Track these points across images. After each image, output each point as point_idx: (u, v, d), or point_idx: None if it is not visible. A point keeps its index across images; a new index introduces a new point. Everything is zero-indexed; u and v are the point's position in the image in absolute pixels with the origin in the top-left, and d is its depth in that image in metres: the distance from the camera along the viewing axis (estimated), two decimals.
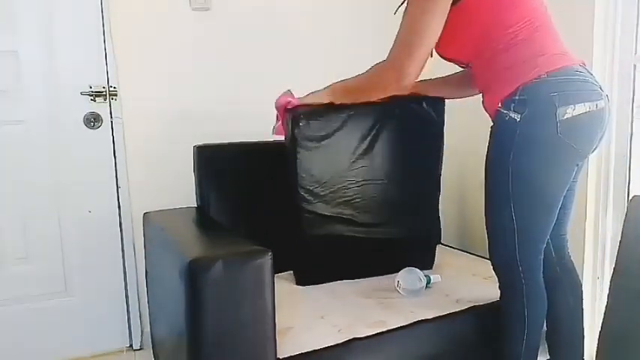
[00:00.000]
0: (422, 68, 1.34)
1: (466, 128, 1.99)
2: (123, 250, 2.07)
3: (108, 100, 1.99)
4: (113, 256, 2.06)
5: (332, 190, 1.68)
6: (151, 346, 1.97)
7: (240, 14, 2.14)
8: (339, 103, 1.59)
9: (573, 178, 1.34)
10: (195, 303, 1.18)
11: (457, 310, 1.52)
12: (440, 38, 1.32)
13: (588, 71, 1.30)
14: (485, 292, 1.60)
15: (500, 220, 1.32)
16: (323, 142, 1.65)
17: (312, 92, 1.64)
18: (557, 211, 1.33)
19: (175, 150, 2.05)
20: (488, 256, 1.79)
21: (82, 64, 1.95)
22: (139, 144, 2.05)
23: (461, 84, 1.57)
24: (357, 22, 2.36)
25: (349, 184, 1.69)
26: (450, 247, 2.17)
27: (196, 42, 2.09)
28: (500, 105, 1.27)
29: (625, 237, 1.41)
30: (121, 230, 2.06)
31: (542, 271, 1.36)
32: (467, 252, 2.09)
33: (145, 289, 1.95)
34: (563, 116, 1.20)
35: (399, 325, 1.44)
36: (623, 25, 1.70)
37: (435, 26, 1.30)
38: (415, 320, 1.47)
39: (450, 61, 1.45)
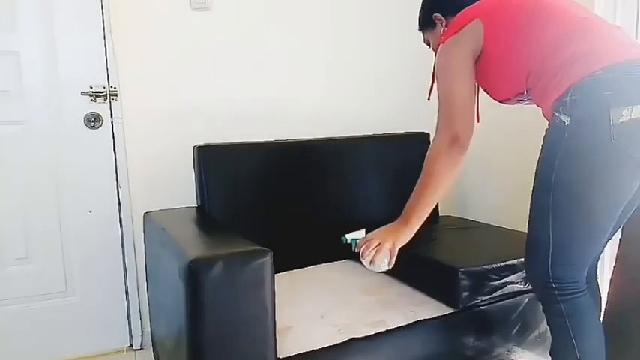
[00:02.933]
0: (470, 120, 1.32)
1: None
2: (123, 250, 2.07)
3: (108, 100, 1.99)
4: (113, 256, 2.06)
5: None
6: (151, 345, 1.98)
7: (240, 14, 2.14)
8: (418, 220, 1.39)
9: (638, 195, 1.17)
10: (195, 303, 1.18)
11: (457, 309, 1.52)
12: (489, 89, 1.35)
13: None
14: None
15: (537, 232, 1.23)
16: None
17: (384, 228, 1.42)
18: (606, 233, 1.20)
19: (175, 150, 2.05)
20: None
21: (82, 64, 1.95)
22: (139, 144, 2.05)
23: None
24: (359, 22, 2.36)
25: None
26: None
27: (196, 42, 2.09)
28: (553, 108, 1.17)
29: (625, 235, 1.41)
30: (121, 230, 2.06)
31: (584, 292, 1.22)
32: None
33: (146, 288, 1.96)
34: (619, 119, 1.05)
35: (399, 325, 1.44)
36: (623, 25, 1.70)
37: (462, 84, 1.31)
38: (415, 320, 1.47)
39: (508, 103, 1.38)
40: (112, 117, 2.01)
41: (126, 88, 2.01)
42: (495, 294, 1.56)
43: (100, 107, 1.99)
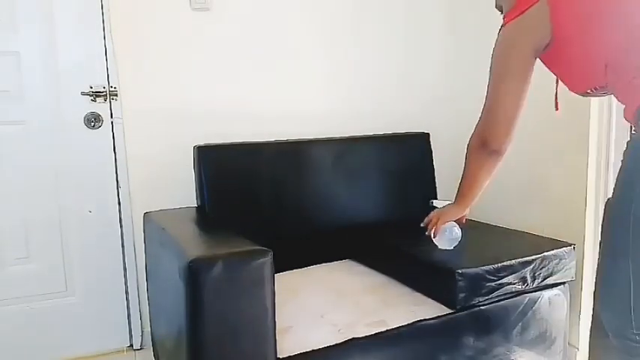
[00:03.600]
0: (504, 130, 1.25)
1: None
2: (123, 250, 2.07)
3: (108, 100, 1.99)
4: (113, 256, 2.06)
5: None
6: (151, 345, 1.98)
7: (240, 14, 2.14)
8: (463, 201, 1.53)
9: None
10: (195, 303, 1.18)
11: (455, 310, 1.52)
12: (563, 79, 1.20)
13: None
14: None
15: (612, 275, 1.04)
16: None
17: (441, 209, 1.63)
18: None
19: (175, 150, 2.05)
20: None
21: (82, 64, 1.95)
22: (139, 144, 2.05)
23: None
24: (358, 22, 2.36)
25: None
26: None
27: (196, 42, 2.09)
28: (633, 118, 0.98)
29: None
30: (121, 230, 2.06)
31: None
32: None
33: (146, 288, 1.96)
34: None
35: (399, 325, 1.44)
36: None
37: (511, 90, 1.20)
38: (415, 320, 1.47)
39: (587, 96, 1.20)
40: (112, 117, 2.01)
41: (126, 88, 2.01)
42: (494, 294, 1.55)
43: (100, 107, 1.99)
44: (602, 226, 1.09)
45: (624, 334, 1.02)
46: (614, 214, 1.03)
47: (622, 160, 1.03)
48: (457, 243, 1.69)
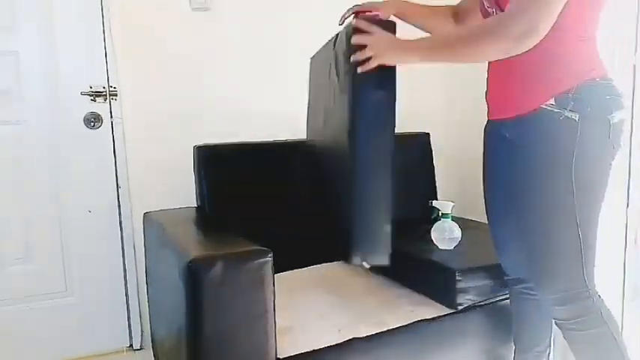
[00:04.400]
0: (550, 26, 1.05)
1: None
2: (123, 250, 2.07)
3: (108, 100, 1.99)
4: (113, 256, 2.06)
5: None
6: (151, 346, 1.98)
7: (240, 14, 2.14)
8: (430, 58, 1.35)
9: None
10: (195, 303, 1.18)
11: (455, 310, 1.52)
12: None
13: None
14: None
15: (564, 239, 1.17)
16: None
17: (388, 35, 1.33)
18: None
19: (175, 150, 2.05)
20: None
21: (82, 64, 1.95)
22: (139, 144, 2.05)
23: (448, 21, 1.48)
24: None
25: None
26: None
27: (196, 41, 2.09)
28: (552, 102, 1.14)
29: None
30: (121, 230, 2.06)
31: None
32: None
33: (145, 289, 1.96)
34: (614, 120, 1.14)
35: (399, 325, 1.44)
36: (623, 25, 1.70)
37: None
38: (415, 320, 1.47)
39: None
40: (111, 117, 2.01)
41: (126, 88, 2.01)
42: (494, 294, 1.55)
43: (100, 107, 1.99)
44: (529, 202, 1.21)
45: (580, 295, 1.17)
46: (553, 184, 1.16)
47: (530, 137, 1.20)
48: (457, 243, 1.69)
